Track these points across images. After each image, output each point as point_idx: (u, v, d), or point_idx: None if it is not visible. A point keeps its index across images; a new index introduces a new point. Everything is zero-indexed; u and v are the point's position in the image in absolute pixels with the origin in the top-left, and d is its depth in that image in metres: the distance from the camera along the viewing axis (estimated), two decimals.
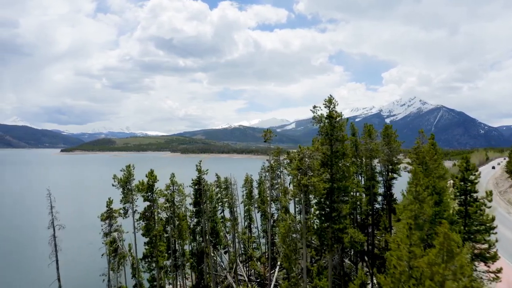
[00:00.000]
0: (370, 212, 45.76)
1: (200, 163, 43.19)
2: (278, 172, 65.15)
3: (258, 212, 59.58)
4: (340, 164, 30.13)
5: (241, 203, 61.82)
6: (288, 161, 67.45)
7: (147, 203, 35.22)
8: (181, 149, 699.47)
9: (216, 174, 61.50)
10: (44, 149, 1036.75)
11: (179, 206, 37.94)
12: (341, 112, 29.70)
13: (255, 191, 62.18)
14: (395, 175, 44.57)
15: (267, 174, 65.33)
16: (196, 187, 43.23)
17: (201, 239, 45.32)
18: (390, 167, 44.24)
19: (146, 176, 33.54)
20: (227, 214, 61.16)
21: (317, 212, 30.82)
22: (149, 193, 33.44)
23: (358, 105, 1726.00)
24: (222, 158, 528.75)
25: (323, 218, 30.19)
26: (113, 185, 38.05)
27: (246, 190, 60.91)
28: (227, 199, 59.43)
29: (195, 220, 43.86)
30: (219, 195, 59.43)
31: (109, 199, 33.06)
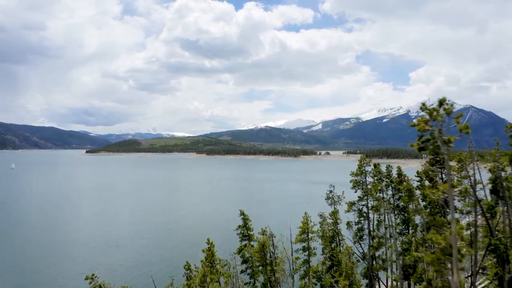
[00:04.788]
0: None
1: None
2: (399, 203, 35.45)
3: None
4: None
5: (293, 272, 32.68)
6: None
7: None
8: (206, 150, 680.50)
9: (242, 214, 32.29)
10: (70, 150, 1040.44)
11: None
12: None
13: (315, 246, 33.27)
14: None
15: (333, 204, 35.87)
16: None
17: None
18: None
19: None
20: None
21: None
22: None
23: (385, 105, 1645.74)
24: (248, 159, 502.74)
25: None
26: None
27: (302, 251, 31.76)
28: (262, 269, 30.64)
29: None
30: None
31: None
